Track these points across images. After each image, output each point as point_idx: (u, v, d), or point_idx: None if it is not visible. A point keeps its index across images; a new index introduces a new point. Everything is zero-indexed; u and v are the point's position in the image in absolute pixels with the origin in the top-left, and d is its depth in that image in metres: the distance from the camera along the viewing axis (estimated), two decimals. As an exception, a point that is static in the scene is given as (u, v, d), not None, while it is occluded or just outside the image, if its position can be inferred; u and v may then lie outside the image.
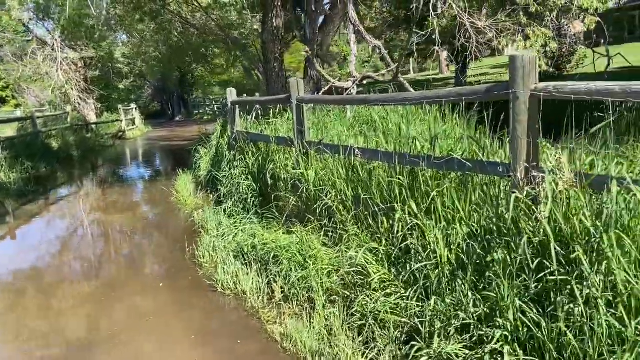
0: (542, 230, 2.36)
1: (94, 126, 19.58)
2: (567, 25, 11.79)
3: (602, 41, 9.95)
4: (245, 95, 18.87)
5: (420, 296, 2.89)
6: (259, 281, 4.00)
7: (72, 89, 19.55)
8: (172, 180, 8.73)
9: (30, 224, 7.24)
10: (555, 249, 2.23)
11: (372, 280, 3.17)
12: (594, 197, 2.31)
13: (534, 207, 2.47)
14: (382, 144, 4.19)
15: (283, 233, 4.46)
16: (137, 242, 5.96)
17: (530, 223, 2.46)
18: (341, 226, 3.92)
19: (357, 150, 3.99)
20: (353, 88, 7.34)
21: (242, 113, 7.07)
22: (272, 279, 3.95)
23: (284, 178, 5.09)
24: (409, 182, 3.43)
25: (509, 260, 2.43)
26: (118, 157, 15.50)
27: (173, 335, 3.46)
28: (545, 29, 8.63)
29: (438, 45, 7.13)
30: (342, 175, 4.18)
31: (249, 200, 5.62)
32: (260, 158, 5.75)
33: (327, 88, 7.12)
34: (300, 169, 4.72)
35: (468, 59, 11.60)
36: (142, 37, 18.54)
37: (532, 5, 8.21)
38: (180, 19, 12.25)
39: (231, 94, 7.03)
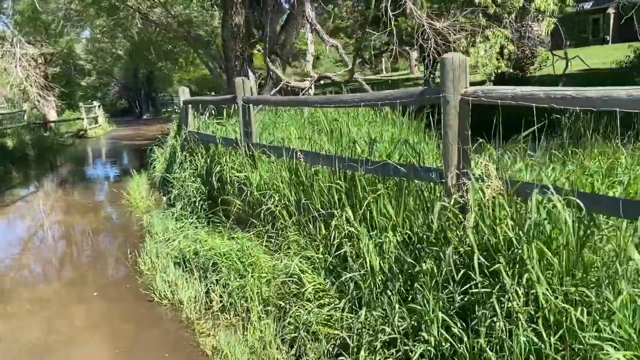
0: (468, 240, 2.27)
1: (53, 125, 18.89)
2: (529, 26, 11.93)
3: (567, 43, 10.10)
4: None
5: (353, 307, 2.78)
6: (197, 290, 3.82)
7: (31, 85, 18.77)
8: (127, 181, 8.42)
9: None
10: (478, 259, 2.14)
11: (306, 290, 3.04)
12: (519, 206, 2.23)
13: (461, 216, 2.38)
14: (324, 146, 4.07)
15: (227, 238, 4.29)
16: (78, 248, 5.68)
17: (458, 232, 2.37)
18: (282, 232, 3.78)
19: (299, 153, 3.86)
20: (310, 88, 7.20)
21: (195, 113, 6.85)
22: (210, 288, 3.78)
23: (231, 181, 4.91)
24: (347, 187, 3.32)
25: (436, 271, 2.33)
26: (76, 157, 14.99)
27: (96, 350, 3.25)
28: (505, 29, 8.66)
29: (396, 46, 7.05)
30: (286, 179, 4.04)
31: (197, 204, 5.41)
32: (208, 160, 5.55)
33: (277, 88, 6.96)
34: (245, 171, 4.56)
35: (427, 60, 11.61)
36: (101, 32, 17.93)
37: (491, 6, 8.24)
38: (140, 14, 11.86)
39: (183, 93, 6.81)
